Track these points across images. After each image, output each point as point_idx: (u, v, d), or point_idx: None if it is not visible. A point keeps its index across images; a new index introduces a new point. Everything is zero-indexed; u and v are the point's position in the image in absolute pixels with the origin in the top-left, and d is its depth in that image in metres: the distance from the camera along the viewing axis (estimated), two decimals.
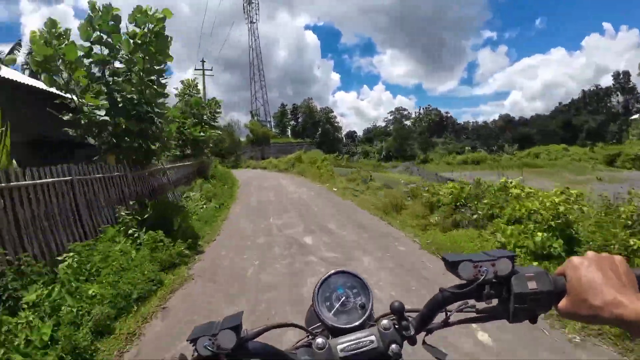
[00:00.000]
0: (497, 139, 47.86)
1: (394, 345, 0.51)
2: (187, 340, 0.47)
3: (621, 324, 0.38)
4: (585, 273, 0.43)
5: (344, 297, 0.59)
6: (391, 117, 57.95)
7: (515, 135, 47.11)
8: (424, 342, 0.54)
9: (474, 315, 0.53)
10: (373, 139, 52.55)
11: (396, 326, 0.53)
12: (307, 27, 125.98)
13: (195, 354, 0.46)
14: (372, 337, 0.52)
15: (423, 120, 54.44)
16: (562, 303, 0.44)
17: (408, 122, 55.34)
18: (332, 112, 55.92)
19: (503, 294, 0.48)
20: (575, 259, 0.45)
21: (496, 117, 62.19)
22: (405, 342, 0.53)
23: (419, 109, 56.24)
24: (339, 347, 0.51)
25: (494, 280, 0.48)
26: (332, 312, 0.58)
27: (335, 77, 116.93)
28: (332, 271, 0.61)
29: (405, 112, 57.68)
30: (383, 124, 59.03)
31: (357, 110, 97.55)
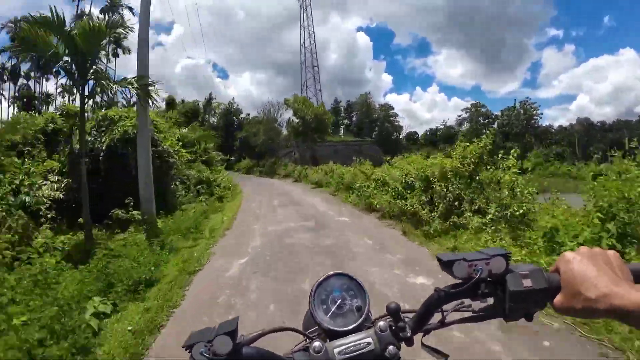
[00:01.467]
0: (584, 145, 39.70)
1: (391, 347, 0.53)
2: (182, 347, 0.49)
3: (617, 316, 0.39)
4: (579, 267, 0.44)
5: (340, 300, 0.61)
6: (466, 115, 49.24)
7: (605, 141, 38.57)
8: (422, 344, 0.56)
9: (470, 314, 0.55)
10: (437, 142, 47.20)
11: (393, 328, 0.54)
12: (359, 29, 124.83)
13: None
14: (369, 339, 0.54)
15: (513, 118, 42.52)
16: (557, 299, 0.45)
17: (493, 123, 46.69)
18: (393, 108, 51.43)
19: (498, 293, 0.50)
20: (567, 254, 0.47)
21: (562, 122, 54.65)
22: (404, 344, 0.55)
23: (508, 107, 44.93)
24: (336, 350, 0.53)
25: (488, 279, 0.50)
26: (329, 315, 0.59)
27: (387, 78, 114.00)
28: (329, 273, 0.63)
29: (484, 110, 47.87)
30: (453, 124, 52.13)
31: (409, 112, 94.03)
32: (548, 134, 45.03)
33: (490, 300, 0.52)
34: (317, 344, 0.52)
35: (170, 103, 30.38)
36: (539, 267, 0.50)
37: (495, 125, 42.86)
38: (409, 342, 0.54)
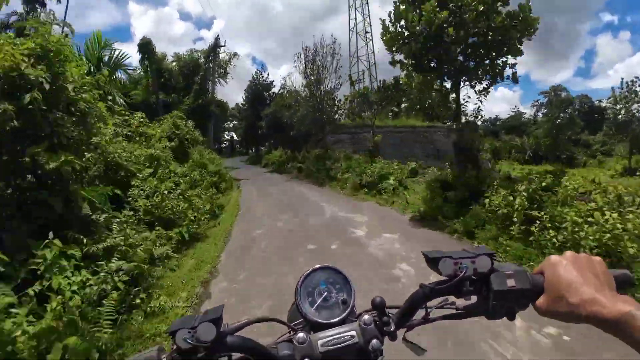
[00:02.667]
0: None
1: (374, 341, 0.55)
2: (165, 333, 0.55)
3: (598, 322, 0.41)
4: (563, 272, 0.46)
5: (326, 293, 0.63)
6: (544, 100, 40.69)
7: None
8: (404, 338, 0.60)
9: (454, 311, 0.57)
10: (499, 132, 40.99)
11: (377, 322, 0.57)
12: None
13: (175, 346, 0.49)
14: (353, 332, 0.56)
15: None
16: (540, 301, 0.48)
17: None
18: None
19: (482, 291, 0.52)
20: (553, 257, 0.48)
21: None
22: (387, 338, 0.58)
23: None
24: (320, 342, 0.55)
25: (473, 277, 0.52)
26: (314, 307, 0.62)
27: None
28: (315, 266, 0.66)
29: (564, 95, 38.73)
30: (526, 112, 45.35)
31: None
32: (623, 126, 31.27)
33: (474, 299, 0.54)
34: (300, 335, 0.55)
35: (145, 49, 20.13)
36: (523, 269, 0.51)
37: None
38: (393, 336, 0.57)
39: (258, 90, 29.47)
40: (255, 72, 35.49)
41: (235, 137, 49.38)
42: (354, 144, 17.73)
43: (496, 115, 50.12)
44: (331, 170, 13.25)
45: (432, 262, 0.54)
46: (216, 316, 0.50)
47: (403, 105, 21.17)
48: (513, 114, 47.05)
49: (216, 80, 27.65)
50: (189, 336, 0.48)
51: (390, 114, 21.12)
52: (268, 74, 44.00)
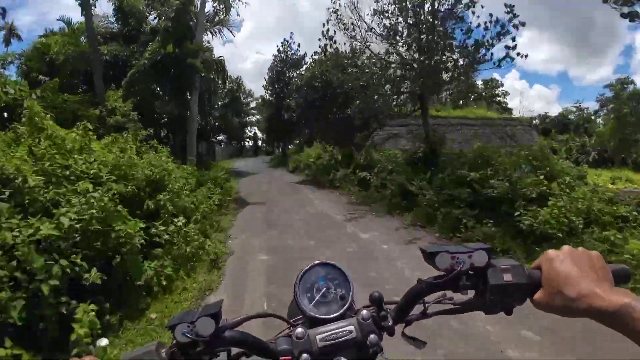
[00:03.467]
0: None
1: (372, 336, 0.56)
2: (166, 327, 0.52)
3: (596, 316, 0.42)
4: (561, 266, 0.47)
5: (324, 289, 0.65)
6: (610, 93, 32.44)
7: None
8: (402, 333, 0.61)
9: (451, 306, 0.59)
10: (551, 131, 35.79)
11: (375, 317, 0.59)
12: None
13: (174, 340, 0.50)
14: (351, 327, 0.58)
15: None
16: (537, 295, 0.49)
17: None
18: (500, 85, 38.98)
19: (479, 286, 0.53)
20: (550, 252, 0.50)
21: None
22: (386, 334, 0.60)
23: None
24: (318, 337, 0.57)
25: (470, 271, 0.53)
26: (313, 303, 0.63)
27: None
28: (314, 262, 0.68)
29: (631, 88, 30.08)
30: (588, 107, 40.04)
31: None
32: None
33: (472, 293, 0.55)
34: (299, 330, 0.57)
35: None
36: (520, 263, 0.52)
37: None
38: (391, 331, 0.59)
39: (284, 67, 21.54)
40: (282, 43, 22.75)
41: (258, 133, 42.23)
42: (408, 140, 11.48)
43: (545, 112, 44.97)
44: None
45: (429, 256, 0.55)
46: (215, 311, 0.52)
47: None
48: (574, 109, 41.80)
49: (213, 30, 15.11)
50: (188, 330, 0.50)
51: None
52: (299, 46, 29.58)
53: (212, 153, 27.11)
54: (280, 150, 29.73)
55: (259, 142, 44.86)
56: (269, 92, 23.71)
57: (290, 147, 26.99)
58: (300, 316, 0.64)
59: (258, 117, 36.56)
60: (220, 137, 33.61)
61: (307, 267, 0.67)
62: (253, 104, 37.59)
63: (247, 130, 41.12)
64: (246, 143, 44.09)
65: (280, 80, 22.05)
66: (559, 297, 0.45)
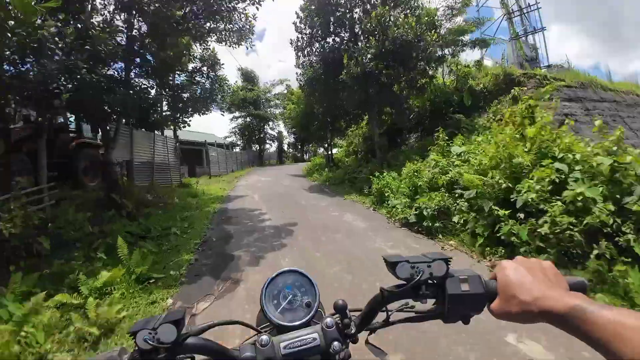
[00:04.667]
0: None
1: (335, 343, 0.58)
2: (127, 333, 0.62)
3: (551, 319, 0.44)
4: (514, 273, 0.50)
5: (291, 296, 0.66)
6: None
7: None
8: (366, 341, 0.64)
9: (413, 315, 0.61)
10: None
11: (339, 324, 0.61)
12: None
13: (136, 347, 0.51)
14: (315, 335, 0.59)
15: None
16: (494, 303, 0.51)
17: None
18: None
19: (439, 295, 0.56)
20: (504, 262, 0.53)
21: None
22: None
23: None
24: (282, 344, 0.58)
25: (429, 281, 0.56)
26: (279, 310, 0.65)
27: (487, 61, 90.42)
28: (281, 270, 0.70)
29: None
30: None
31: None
32: None
33: (432, 302, 0.58)
34: (264, 337, 0.58)
35: None
36: (478, 274, 0.55)
37: None
38: (354, 339, 0.61)
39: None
40: None
41: (283, 130, 32.66)
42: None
43: None
44: None
45: (391, 266, 0.58)
46: (177, 318, 0.53)
47: None
48: None
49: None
50: (149, 337, 0.50)
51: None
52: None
53: (205, 161, 19.41)
54: (328, 153, 19.00)
55: (285, 145, 36.17)
56: (306, 54, 11.84)
57: (334, 150, 19.77)
58: (267, 324, 0.66)
59: (281, 108, 29.46)
60: (232, 139, 30.51)
61: (274, 275, 0.69)
62: (275, 90, 31.86)
63: (267, 128, 32.97)
64: (267, 145, 35.10)
65: (340, 23, 10.73)
66: (514, 303, 0.48)
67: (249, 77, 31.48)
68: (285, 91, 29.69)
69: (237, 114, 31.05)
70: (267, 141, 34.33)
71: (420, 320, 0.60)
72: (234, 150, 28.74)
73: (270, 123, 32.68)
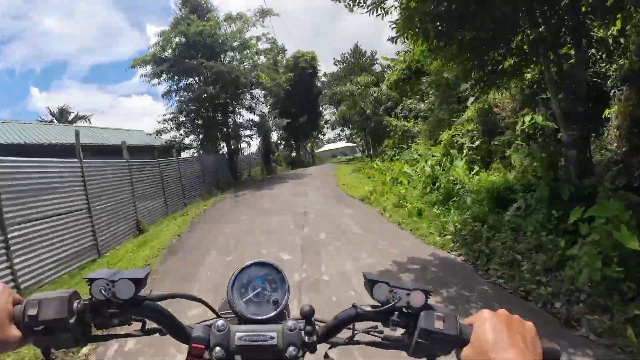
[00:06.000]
0: None
1: (291, 348, 0.57)
2: (85, 278, 0.52)
3: None
4: (492, 329, 0.48)
5: (259, 289, 0.66)
6: None
7: None
8: (326, 355, 0.62)
9: (378, 340, 0.59)
10: None
11: (301, 330, 0.59)
12: None
13: (90, 295, 0.50)
14: (274, 334, 0.58)
15: None
16: (464, 352, 0.50)
17: None
18: None
19: (410, 326, 0.54)
20: (485, 312, 0.52)
21: None
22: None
23: None
24: (238, 334, 0.57)
25: (404, 309, 0.54)
26: (244, 300, 0.64)
27: None
28: (256, 260, 0.69)
29: None
30: None
31: None
32: None
33: (401, 332, 0.56)
34: (220, 322, 0.57)
35: None
36: (455, 315, 0.53)
37: None
38: (312, 348, 0.59)
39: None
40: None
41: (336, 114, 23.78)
42: None
43: None
44: None
45: (369, 284, 0.57)
46: (139, 277, 0.52)
47: None
48: None
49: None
50: (105, 288, 0.50)
51: None
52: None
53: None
54: (368, 152, 16.41)
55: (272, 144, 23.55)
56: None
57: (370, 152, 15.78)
58: (229, 311, 0.65)
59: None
60: (174, 135, 14.38)
61: (247, 264, 0.68)
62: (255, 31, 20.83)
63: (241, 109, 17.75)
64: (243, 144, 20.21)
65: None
66: (484, 358, 0.46)
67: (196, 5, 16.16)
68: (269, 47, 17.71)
69: (170, 78, 15.43)
70: (243, 135, 18.28)
71: (385, 348, 0.59)
72: (181, 156, 14.13)
73: (248, 97, 17.38)
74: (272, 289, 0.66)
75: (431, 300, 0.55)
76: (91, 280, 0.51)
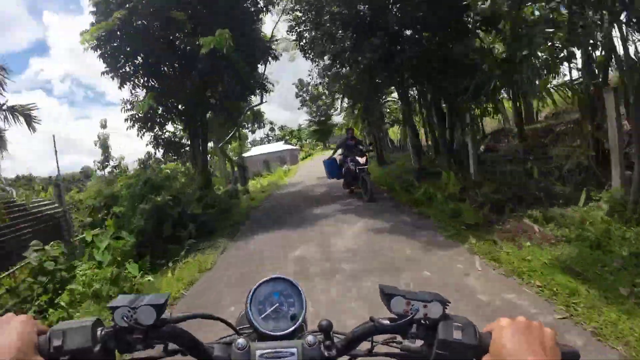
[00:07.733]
0: None
1: None
2: (107, 307, 0.54)
3: None
4: (511, 337, 0.48)
5: (277, 304, 0.66)
6: None
7: None
8: None
9: (397, 351, 0.60)
10: None
11: (321, 344, 0.60)
12: None
13: (113, 322, 0.52)
14: (294, 350, 0.58)
15: None
16: None
17: None
18: None
19: (428, 338, 0.55)
20: (504, 321, 0.51)
21: None
22: None
23: None
24: (258, 352, 0.57)
25: (422, 321, 0.55)
26: (262, 316, 0.65)
27: None
28: (272, 276, 0.70)
29: None
30: None
31: None
32: None
33: (420, 343, 0.57)
34: (241, 340, 0.58)
35: None
36: (474, 324, 0.54)
37: None
38: None
39: None
40: None
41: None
42: None
43: None
44: None
45: (386, 297, 0.57)
46: (159, 302, 0.53)
47: None
48: None
49: None
50: (128, 315, 0.51)
51: None
52: None
53: None
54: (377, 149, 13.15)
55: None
56: None
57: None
58: (248, 326, 0.65)
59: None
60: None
61: (264, 280, 0.68)
62: None
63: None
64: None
65: None
66: None
67: None
68: None
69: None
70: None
71: (404, 359, 0.60)
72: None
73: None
74: (289, 303, 0.66)
75: (449, 310, 0.56)
76: (114, 308, 0.52)
